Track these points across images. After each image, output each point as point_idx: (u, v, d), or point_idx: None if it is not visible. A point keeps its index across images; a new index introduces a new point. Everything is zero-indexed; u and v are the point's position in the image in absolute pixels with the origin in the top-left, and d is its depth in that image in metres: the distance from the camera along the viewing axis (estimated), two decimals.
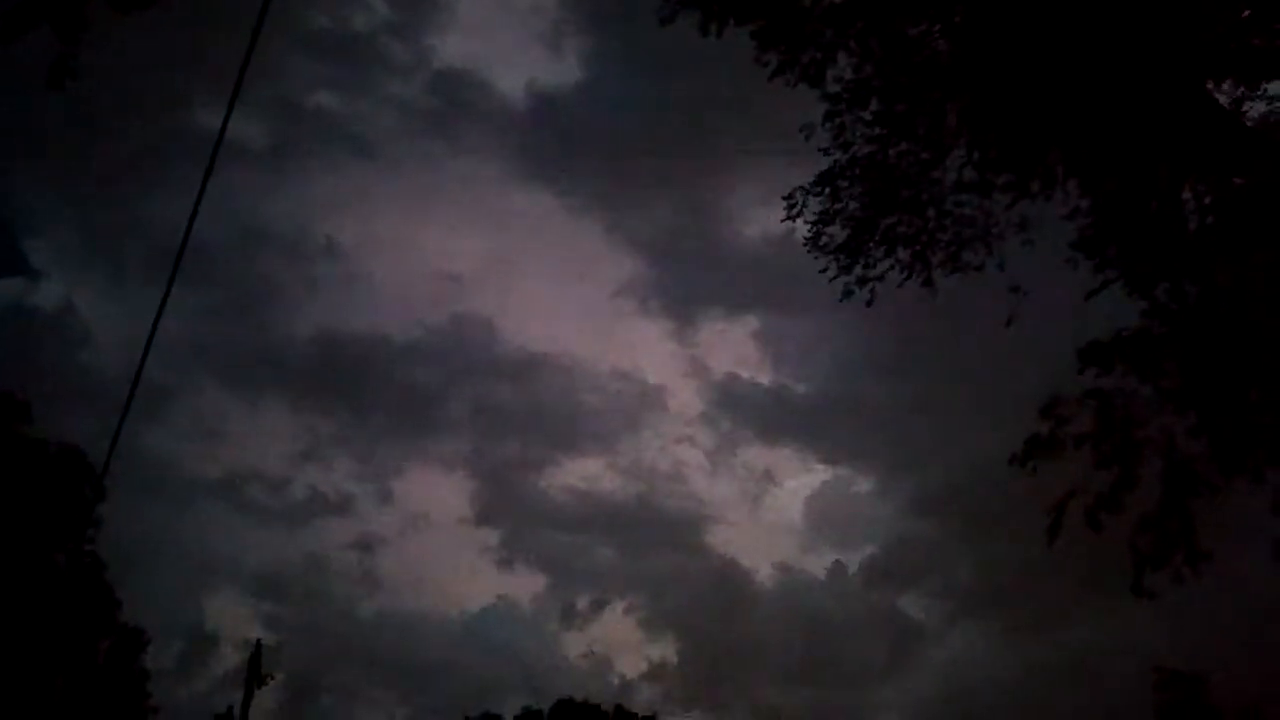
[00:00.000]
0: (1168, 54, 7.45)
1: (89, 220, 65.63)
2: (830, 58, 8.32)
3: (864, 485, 71.20)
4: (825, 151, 8.61)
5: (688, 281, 75.45)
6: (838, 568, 60.97)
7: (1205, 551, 6.87)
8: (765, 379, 73.36)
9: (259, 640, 26.97)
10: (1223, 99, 7.59)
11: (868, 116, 8.53)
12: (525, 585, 79.53)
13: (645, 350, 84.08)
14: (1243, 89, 7.54)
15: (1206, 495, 6.85)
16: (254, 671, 26.47)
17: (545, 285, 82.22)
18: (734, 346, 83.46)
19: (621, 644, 64.51)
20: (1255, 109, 7.52)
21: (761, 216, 64.83)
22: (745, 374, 77.88)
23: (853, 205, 8.64)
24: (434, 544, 68.16)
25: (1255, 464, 6.79)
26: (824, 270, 8.69)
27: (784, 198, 8.74)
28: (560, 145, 74.63)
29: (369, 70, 72.86)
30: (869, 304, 8.61)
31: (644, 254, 76.25)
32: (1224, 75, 7.57)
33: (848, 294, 8.63)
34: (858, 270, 8.66)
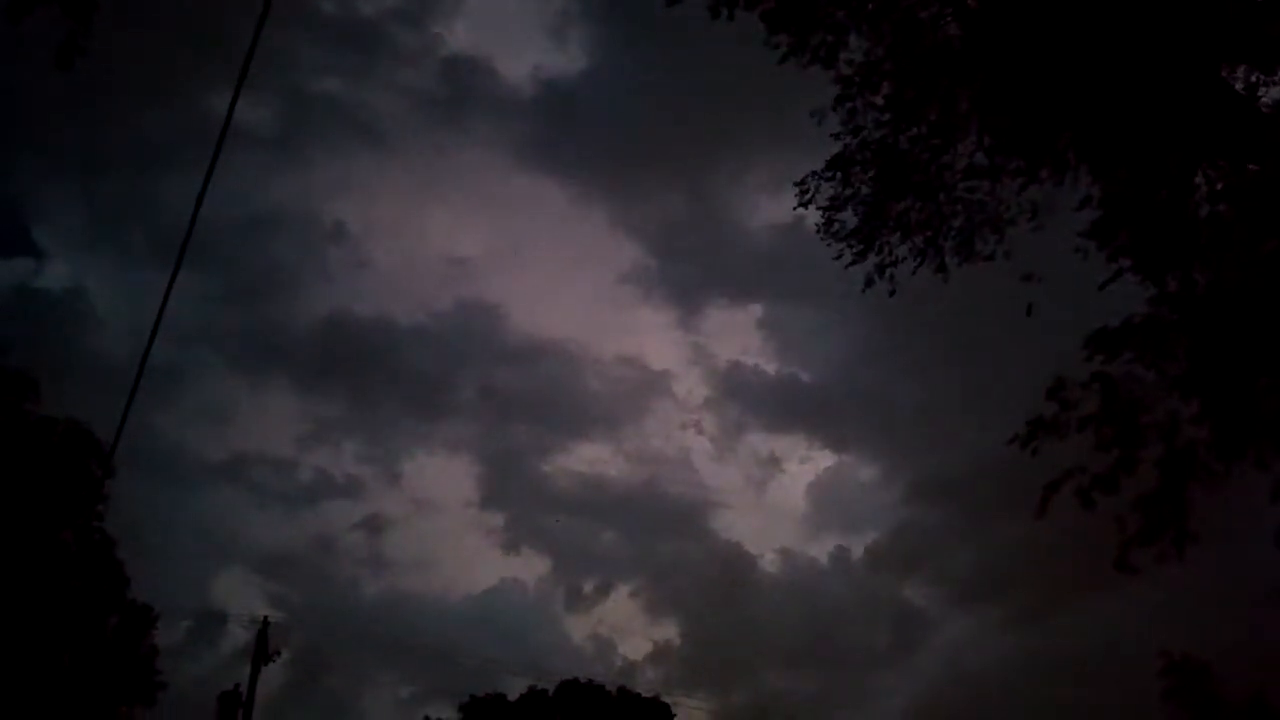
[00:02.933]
0: (1182, 39, 7.39)
1: (98, 203, 65.83)
2: (841, 41, 8.28)
3: (868, 472, 71.32)
4: (836, 136, 8.61)
5: (692, 269, 75.61)
6: (841, 553, 61.37)
7: (1194, 534, 6.89)
8: (770, 367, 73.54)
9: (265, 618, 27.29)
10: (1238, 85, 7.55)
11: (879, 101, 8.50)
12: (531, 568, 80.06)
13: (650, 337, 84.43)
14: (1258, 74, 7.50)
15: (1206, 480, 6.87)
16: (261, 649, 26.74)
17: (551, 272, 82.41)
18: (739, 334, 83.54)
19: (626, 627, 65.09)
20: (1271, 95, 7.48)
21: (767, 205, 64.86)
22: (750, 361, 78.05)
23: (864, 190, 8.62)
24: (440, 527, 68.75)
25: (1258, 451, 6.80)
26: (838, 257, 8.70)
27: (796, 183, 8.76)
28: (566, 133, 74.59)
29: (377, 57, 72.79)
30: (891, 294, 8.61)
31: (649, 242, 76.40)
32: (1239, 60, 7.52)
33: (869, 284, 8.63)
34: (872, 257, 8.66)
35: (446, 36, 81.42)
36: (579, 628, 69.25)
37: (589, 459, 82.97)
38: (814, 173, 8.64)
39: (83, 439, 24.84)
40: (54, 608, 24.57)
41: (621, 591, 68.82)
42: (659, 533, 65.53)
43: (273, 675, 27.95)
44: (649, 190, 75.34)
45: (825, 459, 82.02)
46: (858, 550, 68.04)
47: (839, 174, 8.60)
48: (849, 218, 8.69)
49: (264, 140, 62.03)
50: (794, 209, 8.68)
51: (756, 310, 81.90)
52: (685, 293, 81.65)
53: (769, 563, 67.81)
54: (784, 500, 73.03)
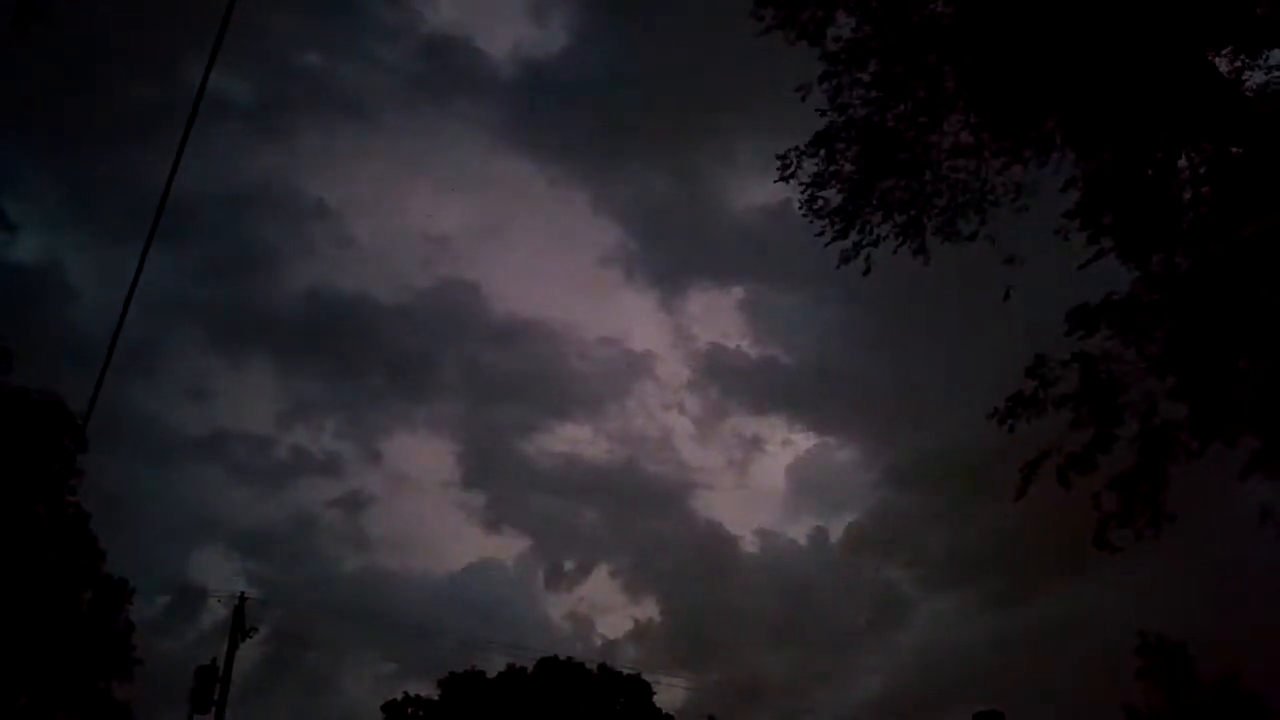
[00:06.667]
0: (1168, 21, 7.36)
1: (73, 176, 64.51)
2: (829, 16, 8.19)
3: (847, 454, 71.70)
4: (822, 113, 8.52)
5: (674, 251, 75.42)
6: (819, 534, 61.88)
7: (1169, 513, 6.93)
8: (752, 349, 73.66)
9: (243, 594, 27.10)
10: (1222, 68, 7.53)
11: (865, 78, 8.42)
12: (511, 547, 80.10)
13: (632, 319, 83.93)
14: (1242, 58, 7.49)
15: (1182, 458, 6.91)
16: (238, 625, 26.61)
17: (532, 251, 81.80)
18: (721, 317, 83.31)
19: (606, 605, 65.19)
20: (1254, 78, 7.47)
21: (749, 187, 64.71)
22: (731, 344, 78.03)
23: (848, 167, 8.55)
24: (420, 505, 68.51)
25: (1232, 430, 6.84)
26: (820, 234, 8.63)
27: (778, 156, 8.67)
28: (547, 111, 73.97)
29: (358, 31, 71.57)
30: (865, 273, 8.56)
31: (631, 223, 76.00)
32: (1224, 44, 7.50)
33: (845, 260, 8.57)
34: (853, 235, 8.60)
35: (427, 13, 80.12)
36: (559, 606, 69.28)
37: (570, 439, 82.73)
38: (797, 147, 8.56)
39: (55, 411, 24.48)
40: (27, 581, 24.31)
41: (602, 570, 69.05)
42: (640, 513, 65.74)
43: (251, 651, 27.85)
44: (631, 171, 74.93)
45: (806, 441, 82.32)
46: (836, 531, 68.48)
47: (823, 150, 8.53)
48: (832, 195, 8.62)
49: (243, 113, 61.02)
50: (774, 181, 8.60)
51: (739, 293, 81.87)
52: (667, 274, 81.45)
53: (749, 543, 68.29)
54: (764, 481, 73.37)
